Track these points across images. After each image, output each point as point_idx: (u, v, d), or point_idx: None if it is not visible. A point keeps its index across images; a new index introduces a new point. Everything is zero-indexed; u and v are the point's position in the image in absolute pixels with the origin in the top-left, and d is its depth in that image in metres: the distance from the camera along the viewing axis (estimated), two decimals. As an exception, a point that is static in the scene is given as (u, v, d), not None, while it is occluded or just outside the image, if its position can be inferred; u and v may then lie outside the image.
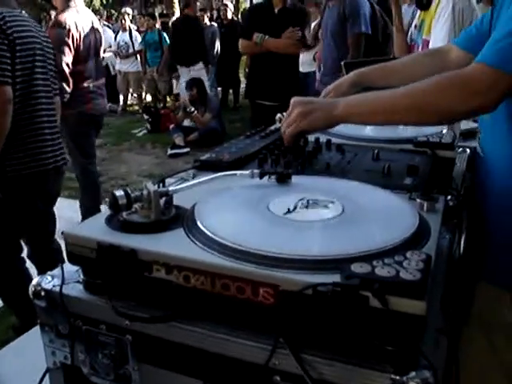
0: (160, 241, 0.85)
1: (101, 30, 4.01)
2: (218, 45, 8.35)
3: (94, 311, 0.92)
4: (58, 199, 4.66)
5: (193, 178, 1.15)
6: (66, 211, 4.45)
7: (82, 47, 3.67)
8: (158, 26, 9.72)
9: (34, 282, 0.99)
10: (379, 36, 4.09)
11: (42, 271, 1.00)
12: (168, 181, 1.11)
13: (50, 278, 0.99)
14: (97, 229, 0.90)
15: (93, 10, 23.51)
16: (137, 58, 9.34)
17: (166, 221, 0.90)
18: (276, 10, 4.13)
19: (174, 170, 4.04)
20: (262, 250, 0.77)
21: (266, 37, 4.09)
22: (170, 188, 0.95)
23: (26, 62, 2.42)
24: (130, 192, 0.90)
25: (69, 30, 3.55)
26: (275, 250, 0.77)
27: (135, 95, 9.94)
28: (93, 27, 3.81)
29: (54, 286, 0.96)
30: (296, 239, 0.84)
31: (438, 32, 2.80)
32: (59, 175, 2.79)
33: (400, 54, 3.17)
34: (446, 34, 2.75)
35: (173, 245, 0.83)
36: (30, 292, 0.99)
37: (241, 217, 0.92)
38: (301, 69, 7.10)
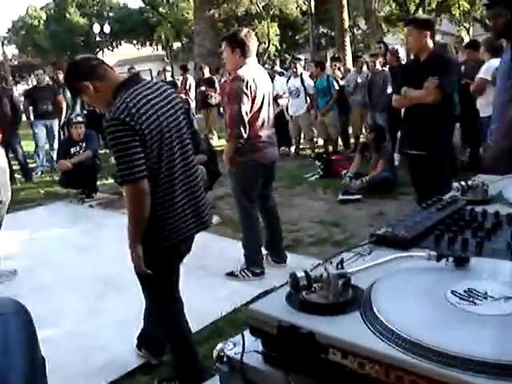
0: (337, 324, 0.88)
1: (270, 83, 4.24)
2: (389, 90, 8.30)
3: (271, 382, 0.97)
4: (222, 239, 4.95)
5: (369, 253, 1.17)
6: (229, 251, 4.70)
7: (257, 98, 3.91)
8: (329, 69, 9.93)
9: (218, 347, 1.07)
10: None
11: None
12: (345, 255, 1.14)
13: (232, 344, 1.06)
14: (277, 307, 0.95)
15: (268, 56, 24.72)
16: (307, 103, 9.60)
17: (343, 303, 0.93)
18: (421, 62, 4.21)
19: (344, 217, 4.06)
20: (442, 348, 0.77)
21: (409, 89, 4.17)
22: (349, 270, 0.98)
23: (155, 142, 2.39)
24: (310, 273, 0.94)
25: (247, 82, 3.83)
26: (455, 348, 0.76)
27: (307, 139, 10.19)
28: (265, 81, 4.06)
29: (235, 353, 1.03)
30: (477, 337, 0.81)
31: None
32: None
33: None
34: None
35: (349, 330, 0.86)
36: (214, 355, 1.07)
37: (417, 305, 0.92)
38: (482, 114, 6.75)
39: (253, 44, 3.96)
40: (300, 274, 0.94)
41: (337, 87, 9.24)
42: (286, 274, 3.41)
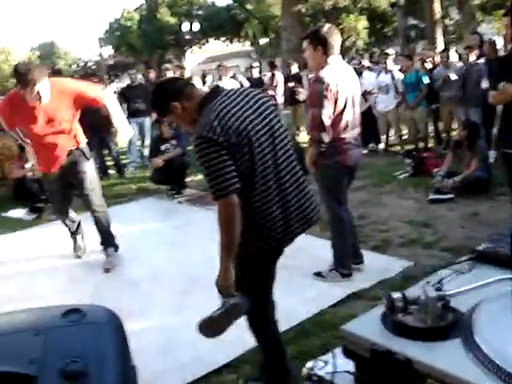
0: (436, 352, 0.82)
1: (357, 81, 4.10)
2: (484, 85, 7.87)
3: (363, 405, 0.93)
4: (310, 237, 4.87)
5: (469, 271, 1.09)
6: (317, 250, 4.62)
7: (339, 100, 3.79)
8: (417, 65, 9.58)
9: (308, 365, 1.04)
10: None
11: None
12: (443, 273, 1.07)
13: (322, 363, 1.03)
14: (371, 328, 0.91)
15: (356, 50, 24.33)
16: (397, 99, 9.33)
17: (442, 328, 0.87)
18: None
19: (435, 217, 3.89)
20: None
21: (507, 84, 3.86)
22: (448, 292, 0.92)
23: (244, 149, 2.37)
24: (406, 295, 0.89)
25: (328, 85, 3.71)
26: None
27: (396, 135, 9.94)
28: (350, 80, 3.93)
29: (326, 373, 1.00)
30: None
31: None
32: None
33: None
34: None
35: (449, 360, 0.80)
36: (303, 374, 1.05)
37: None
38: None
39: (336, 40, 3.84)
40: (396, 295, 0.89)
41: (426, 82, 8.91)
42: (374, 276, 3.37)
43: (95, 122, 8.88)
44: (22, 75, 4.16)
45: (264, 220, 2.48)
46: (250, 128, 2.41)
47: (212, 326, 2.50)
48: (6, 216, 6.90)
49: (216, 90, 2.54)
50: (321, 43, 3.81)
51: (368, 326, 0.92)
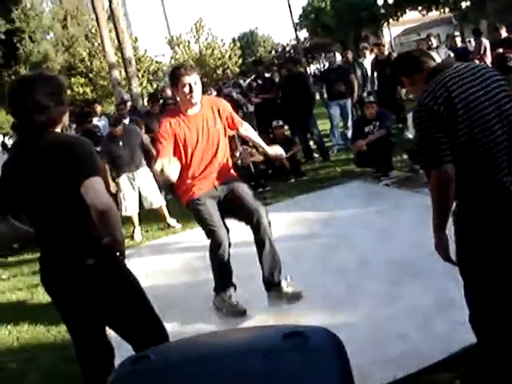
0: None
1: None
2: None
3: None
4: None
5: None
6: None
7: None
8: None
9: None
10: None
11: None
12: None
13: None
14: None
15: None
16: None
17: None
18: None
19: None
20: None
21: None
22: None
23: (463, 123, 2.30)
24: None
25: None
26: None
27: None
28: None
29: None
30: None
31: None
32: None
33: None
34: None
35: None
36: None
37: None
38: None
39: None
40: None
41: None
42: None
43: (297, 106, 9.08)
44: (171, 74, 4.10)
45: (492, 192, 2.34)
46: (472, 103, 2.33)
47: None
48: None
49: (444, 64, 2.55)
50: None
51: None
